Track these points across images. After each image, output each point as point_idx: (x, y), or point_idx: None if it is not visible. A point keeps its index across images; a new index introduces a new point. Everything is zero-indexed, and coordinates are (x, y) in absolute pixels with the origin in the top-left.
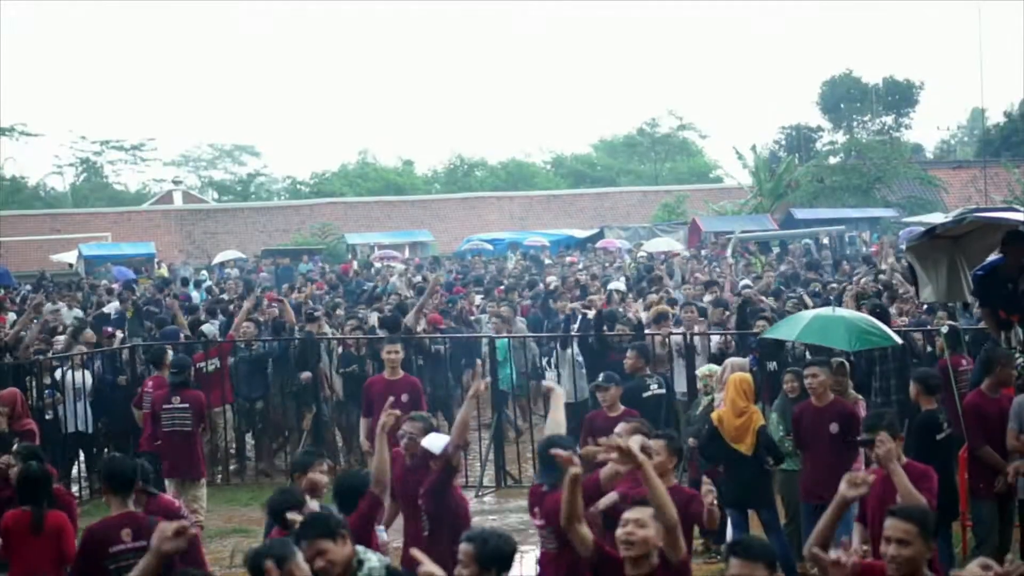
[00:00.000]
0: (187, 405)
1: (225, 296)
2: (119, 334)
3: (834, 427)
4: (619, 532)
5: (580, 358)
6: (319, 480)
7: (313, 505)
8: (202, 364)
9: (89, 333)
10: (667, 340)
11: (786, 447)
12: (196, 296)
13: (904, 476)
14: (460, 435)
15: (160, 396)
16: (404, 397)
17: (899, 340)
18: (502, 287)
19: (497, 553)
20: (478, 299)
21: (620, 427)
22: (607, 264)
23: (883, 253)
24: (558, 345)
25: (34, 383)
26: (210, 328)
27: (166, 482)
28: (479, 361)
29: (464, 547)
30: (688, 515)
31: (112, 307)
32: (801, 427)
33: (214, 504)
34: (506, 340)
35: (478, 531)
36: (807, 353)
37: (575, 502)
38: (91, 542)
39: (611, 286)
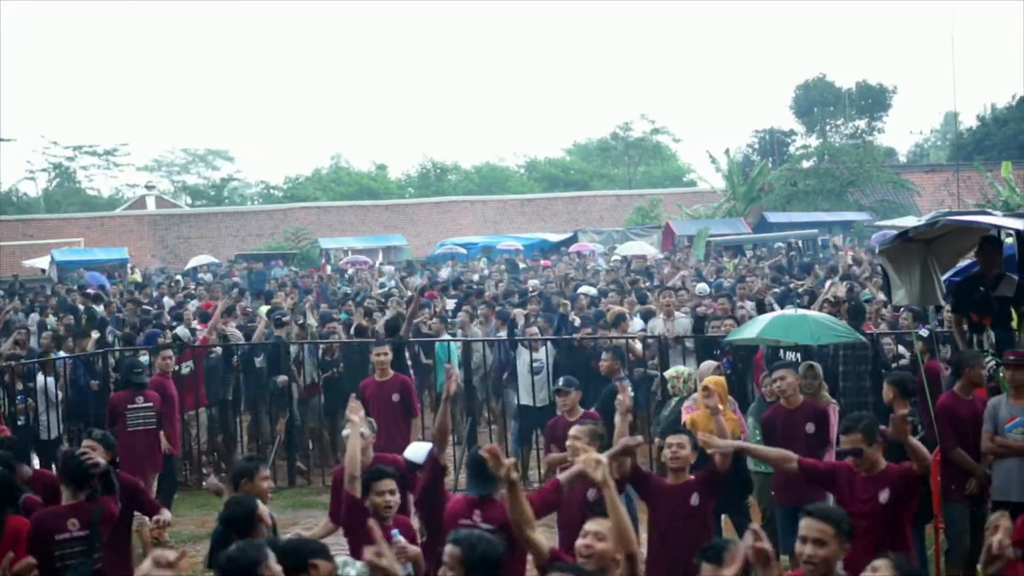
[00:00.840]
0: (151, 404)
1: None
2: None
3: (810, 427)
4: (578, 543)
5: (538, 363)
6: (263, 488)
7: (263, 509)
8: (176, 367)
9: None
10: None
11: None
12: (169, 302)
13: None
14: (443, 440)
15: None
16: (395, 397)
17: (862, 337)
18: (476, 293)
19: (485, 559)
20: (451, 303)
21: (575, 429)
22: (584, 268)
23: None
24: (517, 347)
25: (4, 390)
26: (183, 331)
27: None
28: (449, 364)
29: (451, 549)
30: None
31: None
32: (775, 431)
33: (187, 508)
34: (446, 344)
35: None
36: (788, 354)
37: (520, 509)
38: (40, 529)
39: (580, 291)
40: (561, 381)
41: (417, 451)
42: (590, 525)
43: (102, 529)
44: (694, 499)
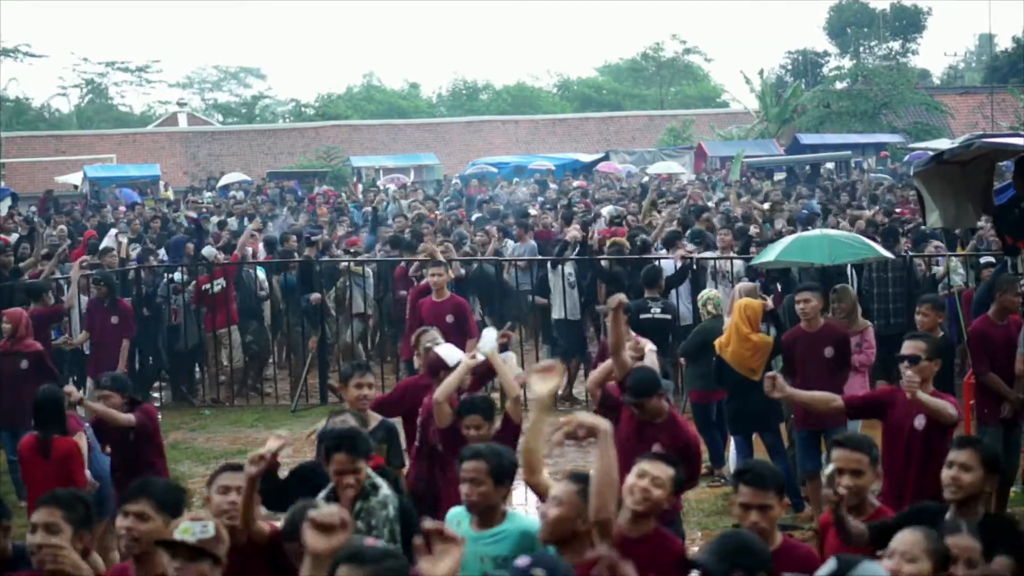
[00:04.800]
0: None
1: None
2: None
3: (829, 351)
4: (630, 482)
5: (572, 279)
6: (354, 395)
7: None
8: (207, 286)
9: None
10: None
11: None
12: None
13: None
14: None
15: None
16: (449, 318)
17: (879, 253)
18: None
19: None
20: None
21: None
22: (620, 188)
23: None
24: (549, 266)
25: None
26: (210, 250)
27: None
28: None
29: (475, 464)
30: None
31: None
32: (794, 353)
33: (219, 425)
34: None
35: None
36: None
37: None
38: None
39: (605, 211)
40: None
41: (450, 352)
42: (558, 488)
43: None
44: None
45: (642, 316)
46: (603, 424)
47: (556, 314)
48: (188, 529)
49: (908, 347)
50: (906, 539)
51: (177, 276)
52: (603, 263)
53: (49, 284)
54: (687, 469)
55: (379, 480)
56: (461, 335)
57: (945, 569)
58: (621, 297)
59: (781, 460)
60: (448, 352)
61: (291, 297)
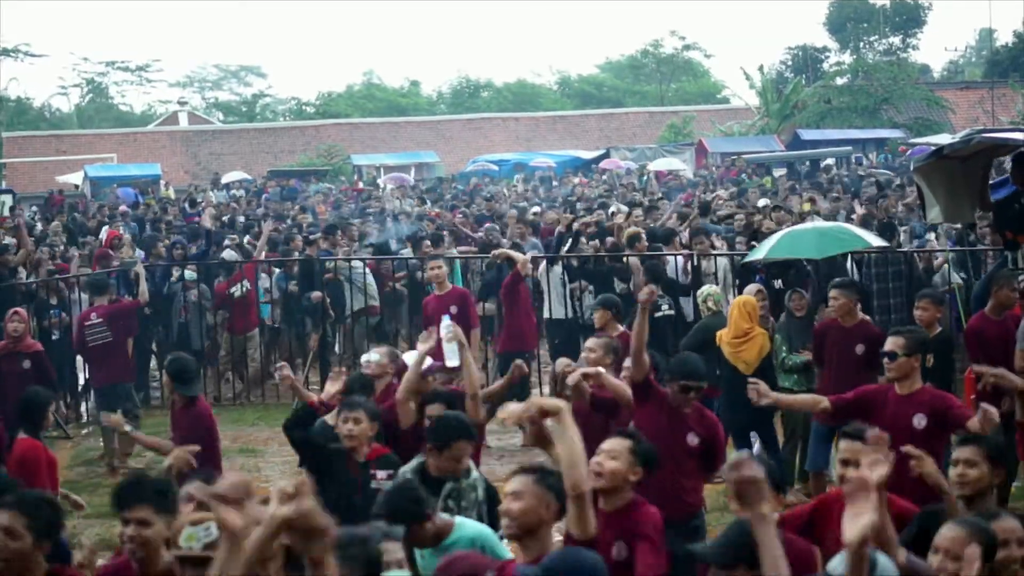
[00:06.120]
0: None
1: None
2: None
3: (860, 348)
4: (502, 506)
5: (566, 277)
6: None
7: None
8: (232, 290)
9: None
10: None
11: (790, 363)
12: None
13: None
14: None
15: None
16: (453, 309)
17: (876, 242)
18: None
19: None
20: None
21: (591, 341)
22: (613, 186)
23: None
24: (545, 263)
25: (34, 304)
26: (231, 253)
27: None
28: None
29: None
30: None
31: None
32: (825, 345)
33: (221, 424)
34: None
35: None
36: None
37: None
38: None
39: (611, 210)
40: (600, 298)
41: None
42: (511, 484)
43: None
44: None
45: (656, 315)
46: (559, 404)
47: (548, 313)
48: (193, 536)
49: (887, 343)
50: (948, 535)
51: (188, 275)
52: (575, 262)
53: (109, 278)
54: (714, 458)
55: (471, 463)
56: (466, 325)
57: (991, 559)
58: (652, 289)
59: (773, 454)
60: (412, 358)
61: (288, 296)
